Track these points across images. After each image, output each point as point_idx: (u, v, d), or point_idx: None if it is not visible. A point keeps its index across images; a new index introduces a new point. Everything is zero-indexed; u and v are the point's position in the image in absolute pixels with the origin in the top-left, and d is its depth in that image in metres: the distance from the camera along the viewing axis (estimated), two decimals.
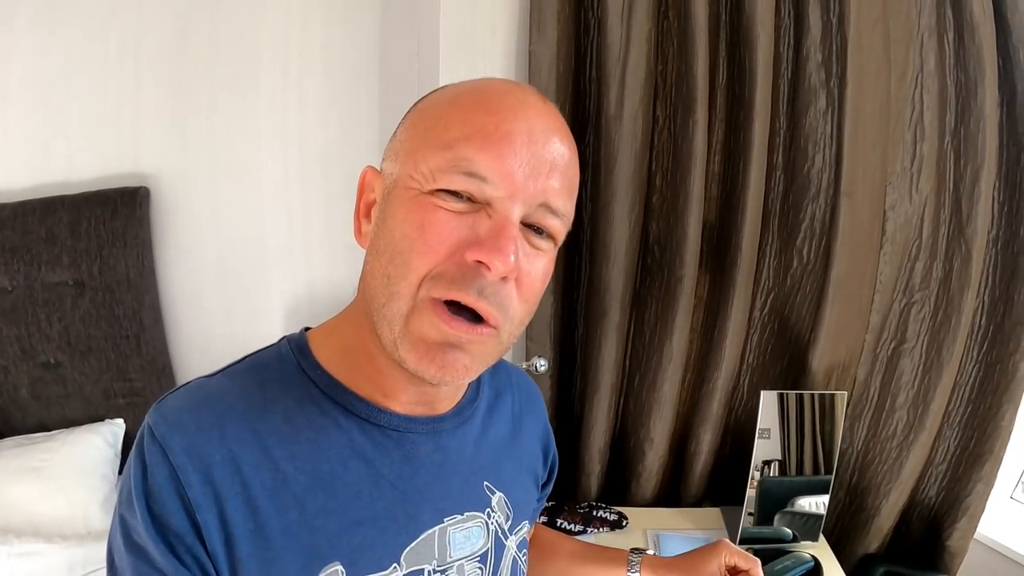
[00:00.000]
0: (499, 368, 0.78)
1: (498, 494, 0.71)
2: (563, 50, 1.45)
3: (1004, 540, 1.51)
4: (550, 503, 1.54)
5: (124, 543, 0.54)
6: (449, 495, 0.66)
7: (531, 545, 0.93)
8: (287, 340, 0.65)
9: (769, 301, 1.53)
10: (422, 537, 0.62)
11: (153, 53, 1.62)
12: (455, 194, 0.53)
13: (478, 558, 0.67)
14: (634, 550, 0.88)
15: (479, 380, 0.74)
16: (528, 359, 1.47)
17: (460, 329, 0.53)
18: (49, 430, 1.66)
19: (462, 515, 0.66)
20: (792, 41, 1.44)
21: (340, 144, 1.73)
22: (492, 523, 0.69)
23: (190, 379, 0.62)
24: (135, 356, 1.67)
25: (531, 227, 0.56)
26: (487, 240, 0.52)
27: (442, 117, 0.56)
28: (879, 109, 1.39)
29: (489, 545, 0.69)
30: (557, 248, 0.59)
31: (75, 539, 1.47)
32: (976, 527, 1.44)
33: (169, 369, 1.72)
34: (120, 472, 1.65)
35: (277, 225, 1.75)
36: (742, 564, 0.82)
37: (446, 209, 0.53)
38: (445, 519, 0.65)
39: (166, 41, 1.61)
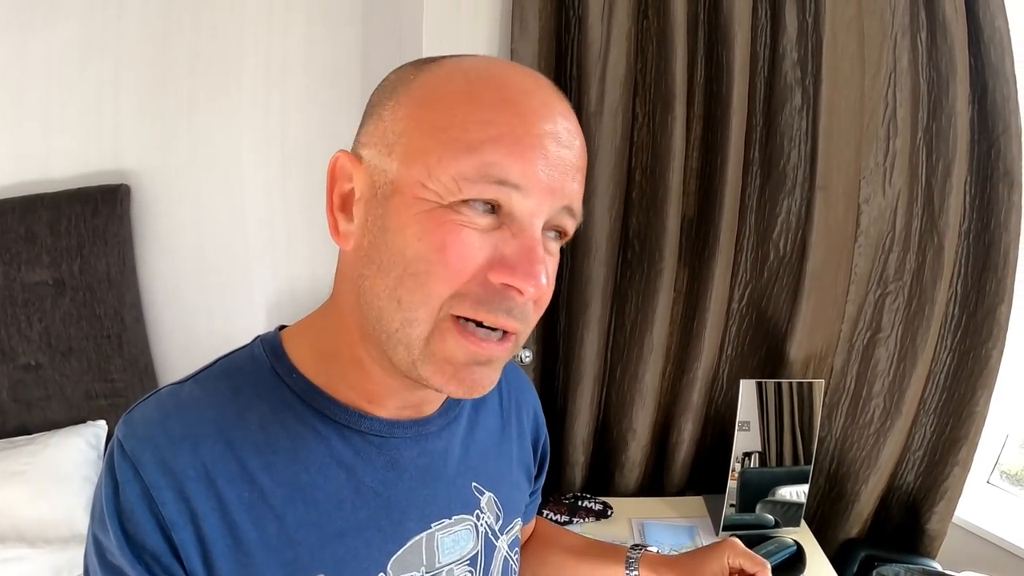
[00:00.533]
0: None
1: (487, 494, 0.69)
2: (544, 47, 1.47)
3: (982, 524, 1.56)
4: None
5: (99, 563, 0.52)
6: (436, 500, 0.63)
7: (530, 539, 0.93)
8: (260, 341, 0.61)
9: (747, 293, 1.56)
10: (409, 544, 0.61)
11: (134, 48, 1.60)
12: (481, 205, 0.49)
13: (468, 561, 0.66)
14: (634, 547, 0.85)
15: None
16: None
17: (490, 349, 0.52)
18: (30, 433, 1.64)
19: (450, 519, 0.64)
20: (768, 40, 1.47)
21: (321, 141, 1.73)
22: (481, 524, 0.67)
23: (161, 386, 0.58)
24: (117, 356, 1.66)
25: (547, 230, 0.53)
26: (518, 264, 0.49)
27: (457, 114, 0.49)
28: (853, 106, 1.42)
29: (479, 547, 0.67)
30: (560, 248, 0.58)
31: (59, 543, 1.46)
32: (954, 510, 1.48)
33: (151, 368, 1.71)
34: None
35: (258, 222, 1.74)
36: (748, 567, 0.76)
37: (470, 228, 0.49)
38: (432, 524, 0.63)
39: (147, 36, 1.60)
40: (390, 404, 0.60)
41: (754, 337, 1.57)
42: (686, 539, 1.46)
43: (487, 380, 0.54)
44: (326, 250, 1.75)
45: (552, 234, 0.54)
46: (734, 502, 1.46)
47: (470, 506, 0.67)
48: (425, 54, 1.44)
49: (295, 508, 0.55)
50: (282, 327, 0.64)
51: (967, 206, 1.43)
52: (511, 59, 1.45)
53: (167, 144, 1.67)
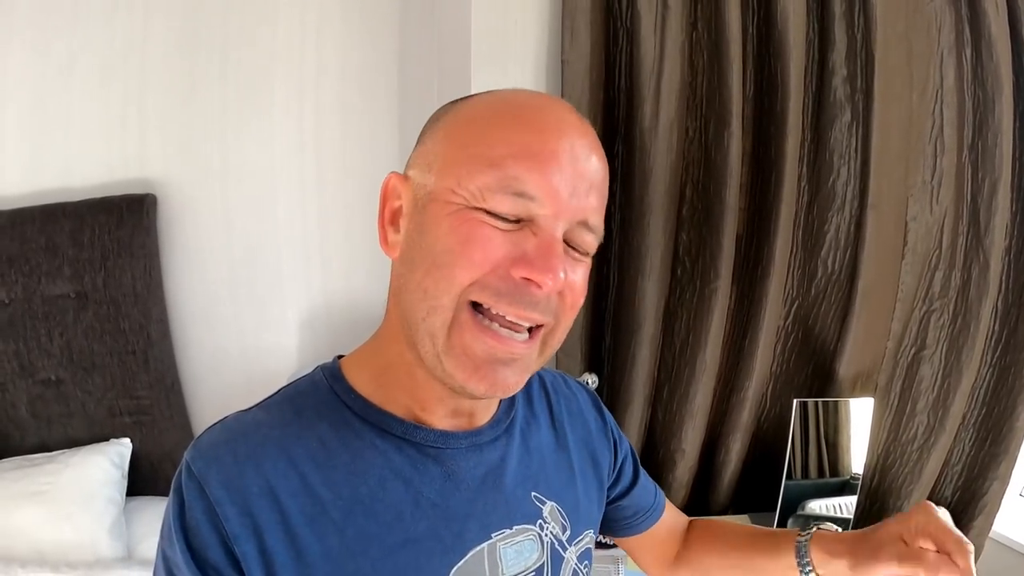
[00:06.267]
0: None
1: (549, 504, 0.70)
2: (595, 59, 1.44)
3: (1015, 536, 1.58)
4: None
5: None
6: (496, 510, 0.64)
7: (694, 535, 0.92)
8: (320, 368, 0.65)
9: (793, 310, 1.55)
10: (470, 555, 0.61)
11: (161, 52, 1.53)
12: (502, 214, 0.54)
13: (533, 572, 0.66)
14: (804, 531, 0.78)
15: None
16: (579, 375, 1.47)
17: (512, 347, 0.55)
18: (50, 450, 1.57)
19: (511, 529, 0.65)
20: (817, 55, 1.46)
21: (359, 149, 1.68)
22: (546, 535, 0.68)
23: (227, 414, 0.62)
24: (142, 372, 1.59)
25: (567, 243, 0.57)
26: (536, 259, 0.53)
27: (484, 134, 0.56)
28: (902, 123, 1.43)
29: (545, 558, 0.67)
30: (590, 258, 0.61)
31: (83, 567, 1.40)
32: (992, 524, 1.50)
33: (178, 386, 1.64)
34: (128, 494, 1.57)
35: (292, 233, 1.68)
36: (944, 543, 0.64)
37: (491, 225, 0.54)
38: (493, 535, 0.63)
39: (175, 39, 1.54)
40: (439, 410, 0.62)
41: (800, 355, 1.57)
42: None
43: (511, 380, 0.57)
44: (363, 263, 1.73)
45: (574, 250, 0.58)
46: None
47: (532, 516, 0.67)
48: (473, 64, 1.43)
49: (355, 520, 0.57)
50: (340, 356, 0.67)
51: (1008, 223, 1.45)
52: (562, 71, 1.42)
53: (196, 152, 1.60)
